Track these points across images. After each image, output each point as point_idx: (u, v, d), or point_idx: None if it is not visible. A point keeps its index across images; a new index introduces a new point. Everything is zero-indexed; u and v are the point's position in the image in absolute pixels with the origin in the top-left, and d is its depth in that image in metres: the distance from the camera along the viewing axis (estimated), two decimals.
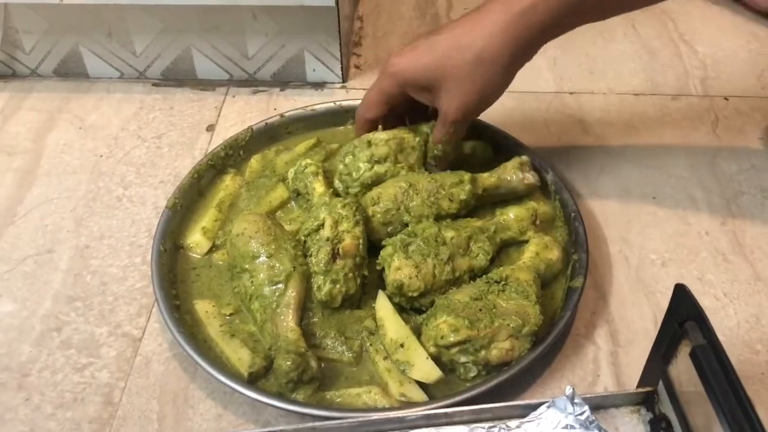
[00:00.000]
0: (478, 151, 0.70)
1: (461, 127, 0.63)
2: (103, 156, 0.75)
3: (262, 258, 0.57)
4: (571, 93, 0.82)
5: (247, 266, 0.57)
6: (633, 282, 0.63)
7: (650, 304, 0.61)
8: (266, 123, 0.73)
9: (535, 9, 0.57)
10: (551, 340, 0.55)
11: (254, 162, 0.71)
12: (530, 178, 0.65)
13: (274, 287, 0.56)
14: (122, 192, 0.71)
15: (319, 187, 0.64)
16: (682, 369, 0.47)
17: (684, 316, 0.45)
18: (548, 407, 0.49)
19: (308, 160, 0.66)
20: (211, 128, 0.78)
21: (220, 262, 0.63)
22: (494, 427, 0.49)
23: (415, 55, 0.60)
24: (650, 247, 0.65)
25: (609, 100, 0.81)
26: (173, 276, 0.61)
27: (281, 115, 0.74)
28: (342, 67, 0.83)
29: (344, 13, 0.81)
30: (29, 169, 0.74)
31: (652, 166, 0.73)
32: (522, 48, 0.58)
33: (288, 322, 0.54)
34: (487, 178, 0.65)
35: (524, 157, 0.66)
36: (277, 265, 0.56)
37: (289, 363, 0.51)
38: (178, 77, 0.84)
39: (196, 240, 0.64)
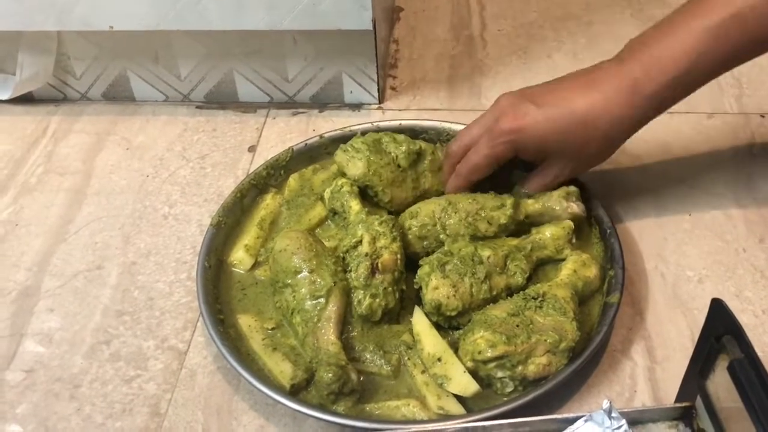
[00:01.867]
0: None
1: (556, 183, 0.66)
2: (150, 176, 0.78)
3: (304, 273, 0.59)
4: None
5: (289, 281, 0.59)
6: (670, 298, 0.63)
7: (687, 320, 0.61)
8: (306, 144, 0.75)
9: (658, 90, 0.60)
10: (588, 356, 0.55)
11: (293, 181, 0.73)
12: (575, 207, 0.65)
13: (315, 301, 0.58)
14: (168, 210, 0.74)
15: (355, 205, 0.65)
16: (720, 383, 0.47)
17: (721, 330, 0.46)
18: (585, 421, 0.49)
19: (343, 180, 0.67)
20: (252, 149, 0.80)
21: (263, 278, 0.65)
22: None
23: (533, 124, 0.61)
24: (687, 264, 0.65)
25: None
26: (217, 291, 0.63)
27: (320, 136, 0.76)
28: (378, 89, 0.85)
29: (381, 36, 0.83)
30: (79, 189, 0.77)
31: (688, 183, 0.73)
32: (643, 123, 0.62)
33: (329, 336, 0.56)
34: (531, 205, 0.65)
35: (572, 187, 0.66)
36: (319, 280, 0.58)
37: (330, 375, 0.53)
38: (221, 100, 0.87)
39: (240, 257, 0.66)
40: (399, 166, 0.67)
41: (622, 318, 0.61)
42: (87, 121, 0.85)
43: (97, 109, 0.87)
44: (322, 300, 0.57)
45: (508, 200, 0.64)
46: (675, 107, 0.82)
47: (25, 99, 0.87)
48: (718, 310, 0.46)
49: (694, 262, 0.66)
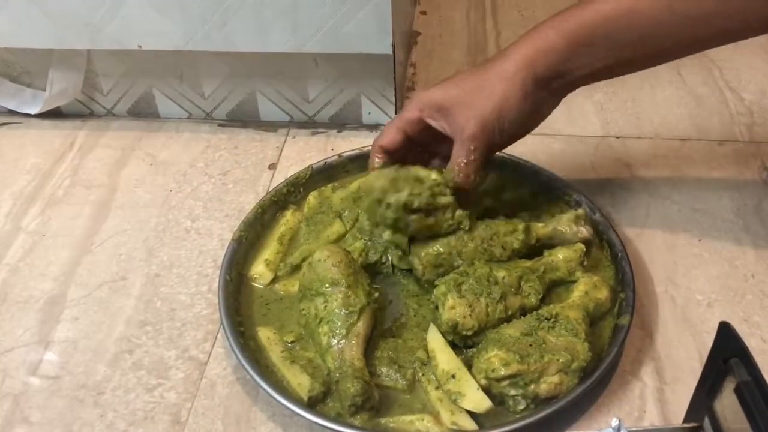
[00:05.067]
0: (487, 180, 0.71)
1: (480, 148, 0.61)
2: (173, 191, 0.80)
3: (341, 287, 0.60)
4: (617, 137, 0.84)
5: (324, 290, 0.61)
6: (679, 321, 0.64)
7: (696, 343, 0.62)
8: (325, 162, 0.77)
9: (553, 50, 0.60)
10: (598, 376, 0.57)
11: (312, 198, 0.75)
12: (584, 231, 0.67)
13: (346, 316, 0.59)
14: (190, 224, 0.76)
15: None
16: (728, 405, 0.48)
17: (728, 353, 0.47)
18: None
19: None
20: (272, 166, 0.83)
21: (282, 293, 0.66)
22: None
23: (437, 85, 0.64)
24: (696, 288, 0.67)
25: (655, 145, 0.83)
26: (237, 304, 0.65)
27: (339, 155, 0.78)
28: (396, 111, 0.87)
29: (399, 59, 0.85)
30: (104, 202, 0.79)
31: (698, 209, 0.74)
32: (539, 78, 0.60)
33: (355, 351, 0.58)
34: (542, 229, 0.67)
35: (580, 211, 0.68)
36: (354, 296, 0.60)
37: (358, 387, 0.55)
38: (243, 118, 0.89)
39: (260, 271, 0.68)
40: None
41: (632, 339, 0.62)
42: (112, 136, 0.88)
43: (123, 124, 0.90)
44: (354, 316, 0.59)
45: (519, 225, 0.66)
46: (686, 134, 0.84)
47: (54, 114, 0.90)
48: (725, 333, 0.47)
49: (704, 287, 0.67)
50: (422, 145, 0.66)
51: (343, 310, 0.59)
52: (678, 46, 0.61)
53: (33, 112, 0.89)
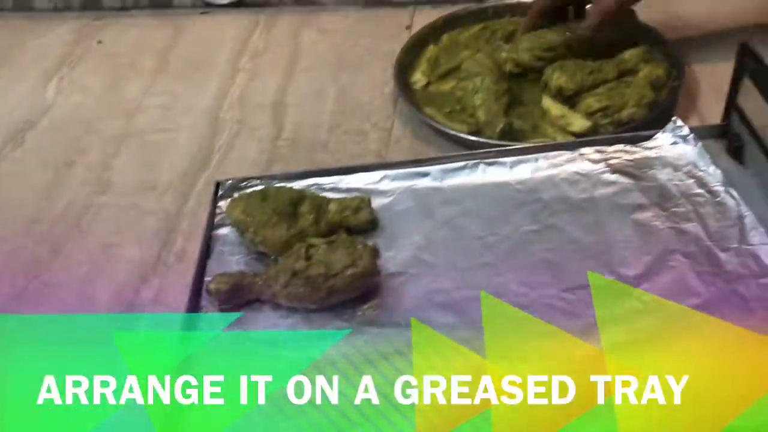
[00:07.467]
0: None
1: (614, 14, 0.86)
2: (343, 48, 1.11)
3: (494, 74, 0.91)
4: None
5: (482, 73, 0.91)
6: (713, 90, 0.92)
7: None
8: (454, 14, 1.07)
9: None
10: (661, 105, 0.87)
11: (446, 38, 1.05)
12: None
13: (496, 91, 0.88)
14: (367, 58, 1.07)
15: None
16: (750, 102, 0.76)
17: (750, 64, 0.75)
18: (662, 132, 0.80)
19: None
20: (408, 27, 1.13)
21: (434, 91, 0.97)
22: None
23: None
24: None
25: None
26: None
27: (464, 8, 1.08)
28: None
29: None
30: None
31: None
32: None
33: (500, 109, 0.88)
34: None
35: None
36: (500, 83, 0.91)
37: (508, 121, 0.85)
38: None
39: (417, 77, 0.98)
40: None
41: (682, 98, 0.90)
42: (287, 19, 1.19)
43: (292, 9, 1.21)
44: (501, 92, 0.89)
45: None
46: None
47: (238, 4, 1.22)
48: (743, 52, 0.76)
49: None
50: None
51: (494, 87, 0.89)
52: None
53: (224, 2, 1.21)
